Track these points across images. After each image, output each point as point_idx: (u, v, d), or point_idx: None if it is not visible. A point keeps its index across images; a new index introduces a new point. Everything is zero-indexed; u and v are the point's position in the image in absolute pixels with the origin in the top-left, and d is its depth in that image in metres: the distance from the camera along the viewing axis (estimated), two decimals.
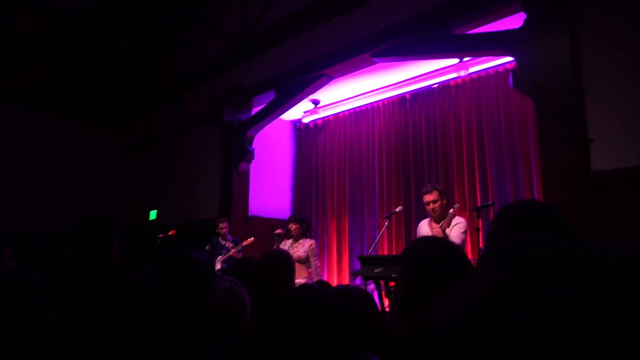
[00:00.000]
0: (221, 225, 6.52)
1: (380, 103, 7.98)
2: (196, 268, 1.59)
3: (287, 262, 2.51)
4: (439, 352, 0.32)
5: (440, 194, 4.52)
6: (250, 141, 7.56)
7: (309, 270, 5.39)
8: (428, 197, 4.50)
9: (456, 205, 4.59)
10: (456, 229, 4.32)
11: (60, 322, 1.38)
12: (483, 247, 3.54)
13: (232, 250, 6.27)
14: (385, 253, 7.08)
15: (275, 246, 5.55)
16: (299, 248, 5.43)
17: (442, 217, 4.49)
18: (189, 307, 1.53)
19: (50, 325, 1.38)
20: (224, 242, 6.50)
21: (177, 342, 1.25)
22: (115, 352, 1.06)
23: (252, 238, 6.40)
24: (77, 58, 9.47)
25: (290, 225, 5.66)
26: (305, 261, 5.33)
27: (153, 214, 8.92)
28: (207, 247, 6.51)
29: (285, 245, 5.62)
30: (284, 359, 1.35)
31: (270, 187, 8.37)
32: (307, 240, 5.65)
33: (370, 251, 5.17)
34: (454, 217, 4.36)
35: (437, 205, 4.46)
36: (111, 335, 1.09)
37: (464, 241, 4.37)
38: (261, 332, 2.02)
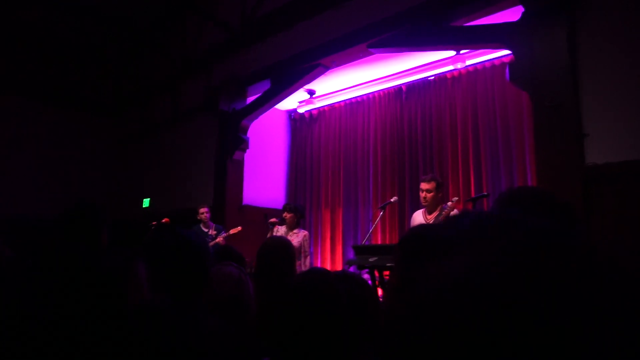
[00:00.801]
0: (201, 210, 6.47)
1: (376, 94, 7.97)
2: (188, 245, 1.56)
3: (288, 249, 2.52)
4: (436, 321, 0.33)
5: (437, 187, 4.55)
6: (244, 130, 7.53)
7: (299, 261, 5.40)
8: (424, 185, 4.54)
9: (455, 199, 4.61)
10: None
11: (40, 309, 1.37)
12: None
13: (219, 238, 6.18)
14: (379, 243, 7.11)
15: (269, 234, 5.56)
16: (293, 238, 5.44)
17: (433, 208, 4.54)
18: (186, 286, 1.51)
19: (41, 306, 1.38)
20: (206, 230, 6.44)
21: (171, 321, 1.23)
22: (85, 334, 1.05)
23: (239, 227, 6.32)
24: (72, 46, 9.37)
25: (284, 214, 5.68)
26: (298, 252, 5.35)
27: (146, 202, 8.89)
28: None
29: (278, 232, 5.63)
30: (288, 345, 1.35)
31: (264, 177, 8.37)
32: (302, 231, 5.67)
33: (364, 241, 5.19)
34: (452, 210, 4.38)
35: (430, 195, 4.50)
36: (78, 319, 1.07)
37: None
38: (264, 320, 2.02)
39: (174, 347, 1.07)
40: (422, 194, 4.56)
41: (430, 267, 0.38)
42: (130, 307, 1.08)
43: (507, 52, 5.69)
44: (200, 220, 6.49)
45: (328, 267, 7.96)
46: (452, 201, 4.50)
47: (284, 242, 2.63)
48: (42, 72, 9.25)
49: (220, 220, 7.01)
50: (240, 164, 7.64)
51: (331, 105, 8.58)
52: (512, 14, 4.86)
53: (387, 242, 7.11)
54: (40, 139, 9.18)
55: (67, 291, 1.04)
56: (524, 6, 4.59)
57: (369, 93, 8.03)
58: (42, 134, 9.22)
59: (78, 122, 9.74)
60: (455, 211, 4.41)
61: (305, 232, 5.70)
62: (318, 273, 1.46)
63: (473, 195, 6.10)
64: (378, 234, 7.33)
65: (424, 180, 4.60)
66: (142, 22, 9.29)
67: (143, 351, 1.04)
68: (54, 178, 9.17)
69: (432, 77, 7.27)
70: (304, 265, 5.37)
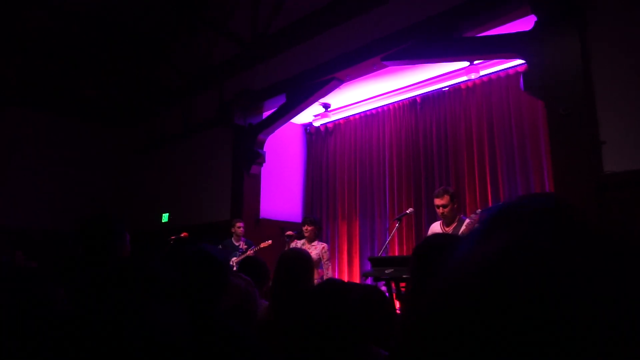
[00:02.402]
0: (238, 224, 6.58)
1: (390, 106, 8.00)
2: (210, 261, 1.65)
3: (307, 262, 2.55)
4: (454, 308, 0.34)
5: (452, 198, 4.49)
6: (261, 145, 7.62)
7: (320, 271, 5.44)
8: (438, 201, 4.48)
9: (478, 211, 4.57)
10: None
11: (75, 311, 1.42)
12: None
13: (250, 251, 6.27)
14: (396, 255, 7.08)
15: (286, 247, 5.60)
16: (312, 250, 5.47)
17: (451, 220, 4.49)
18: (204, 299, 1.58)
19: (63, 314, 1.42)
20: (237, 244, 6.53)
21: (191, 331, 1.27)
22: (125, 338, 1.09)
23: (270, 241, 6.42)
24: (84, 57, 9.54)
25: (305, 227, 5.72)
26: (317, 264, 5.38)
27: (165, 217, 9.01)
28: (219, 247, 6.56)
29: (297, 245, 5.67)
30: (303, 350, 1.38)
31: (281, 190, 8.42)
32: (320, 243, 5.72)
33: (380, 253, 5.19)
34: (475, 223, 4.34)
35: (447, 210, 4.44)
36: (122, 322, 1.11)
37: None
38: (280, 329, 2.05)
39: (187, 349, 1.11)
40: (439, 210, 4.48)
41: (444, 259, 0.39)
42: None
43: (520, 61, 5.68)
44: (233, 234, 6.58)
45: (345, 279, 7.95)
46: (475, 213, 4.46)
47: (302, 253, 2.66)
48: (54, 84, 9.45)
49: None
50: (257, 178, 7.71)
51: (346, 118, 8.63)
52: (525, 24, 4.86)
53: (404, 253, 7.08)
54: (50, 149, 9.39)
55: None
56: (537, 15, 4.59)
57: (384, 105, 8.06)
58: (52, 144, 9.43)
59: (89, 134, 9.96)
60: (476, 225, 4.36)
61: (325, 245, 5.74)
62: (333, 284, 1.49)
63: (490, 205, 6.05)
64: (395, 246, 7.30)
65: (437, 196, 4.52)
66: (156, 33, 9.46)
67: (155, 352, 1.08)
68: (64, 190, 9.35)
69: (447, 88, 7.27)
70: (326, 276, 5.42)
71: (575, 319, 0.31)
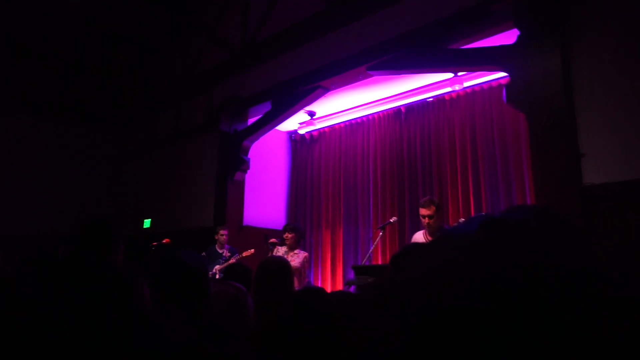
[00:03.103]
0: (222, 232, 6.54)
1: (375, 115, 8.05)
2: (182, 268, 1.58)
3: (286, 269, 2.54)
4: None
5: (437, 209, 4.55)
6: (246, 151, 7.60)
7: (303, 280, 5.42)
8: (425, 211, 4.52)
9: (461, 220, 4.62)
10: None
11: (63, 314, 1.40)
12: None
13: (233, 259, 6.24)
14: (380, 263, 7.10)
15: (270, 255, 5.57)
16: (294, 258, 5.45)
17: (435, 230, 4.53)
18: (179, 308, 1.55)
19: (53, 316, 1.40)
20: (220, 251, 6.48)
21: (166, 340, 1.26)
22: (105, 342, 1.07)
23: (252, 250, 6.39)
24: (75, 62, 9.49)
25: (285, 234, 5.69)
26: (298, 272, 5.36)
27: (147, 223, 8.91)
28: (202, 254, 6.50)
29: (279, 252, 5.64)
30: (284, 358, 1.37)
31: (264, 197, 8.40)
32: (302, 252, 5.69)
33: (364, 261, 5.20)
34: None
35: (432, 220, 4.49)
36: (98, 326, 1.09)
37: None
38: (262, 336, 2.04)
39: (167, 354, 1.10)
40: (425, 220, 4.53)
41: (412, 263, 0.40)
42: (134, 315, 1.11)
43: (503, 74, 5.77)
44: (217, 241, 6.53)
45: (328, 287, 7.93)
46: (458, 222, 4.50)
47: (281, 261, 2.66)
48: (43, 88, 9.36)
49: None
50: (241, 185, 7.68)
51: (331, 127, 8.66)
52: (508, 37, 4.95)
53: (387, 262, 7.10)
54: (41, 153, 9.26)
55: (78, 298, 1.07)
56: (519, 29, 4.68)
57: (369, 114, 8.11)
58: (43, 148, 9.30)
59: (79, 138, 9.83)
60: None
61: (306, 254, 5.71)
62: (312, 290, 1.49)
63: (472, 214, 6.11)
64: (378, 254, 7.33)
65: (423, 206, 4.57)
66: (146, 39, 9.44)
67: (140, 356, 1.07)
68: (54, 193, 9.20)
69: (431, 99, 7.35)
70: (301, 286, 5.38)
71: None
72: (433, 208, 4.50)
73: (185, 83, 8.81)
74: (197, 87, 8.52)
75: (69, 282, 1.09)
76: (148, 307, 1.18)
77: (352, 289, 4.20)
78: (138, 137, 9.94)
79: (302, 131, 8.67)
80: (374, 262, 7.08)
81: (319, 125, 8.54)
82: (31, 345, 1.08)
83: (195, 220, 7.90)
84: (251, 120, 7.71)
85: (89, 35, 8.93)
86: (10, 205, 8.62)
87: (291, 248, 5.69)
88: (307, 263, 5.61)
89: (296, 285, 5.28)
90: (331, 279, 8.04)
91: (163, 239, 6.66)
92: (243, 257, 6.29)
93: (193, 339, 1.28)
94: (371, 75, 6.15)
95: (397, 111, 7.76)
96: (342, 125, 8.53)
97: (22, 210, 8.74)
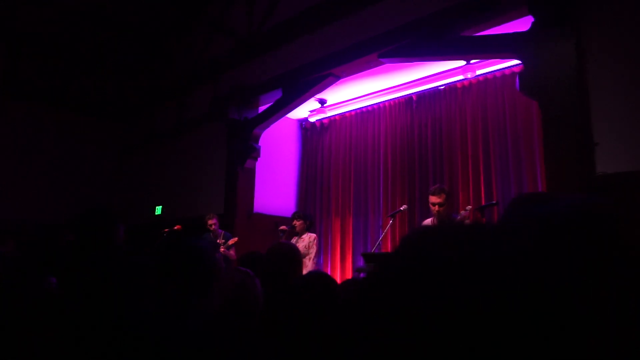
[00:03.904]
0: (210, 222, 6.44)
1: (386, 103, 8.01)
2: (197, 254, 1.66)
3: (294, 255, 2.56)
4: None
5: (447, 197, 4.56)
6: (256, 139, 7.61)
7: (305, 261, 5.41)
8: (435, 199, 4.53)
9: (469, 207, 4.62)
10: None
11: (64, 298, 1.43)
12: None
13: (222, 248, 6.17)
14: (389, 251, 7.11)
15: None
16: (301, 243, 5.51)
17: (444, 218, 4.54)
18: (194, 293, 1.59)
19: (54, 300, 1.44)
20: (216, 239, 6.44)
21: (183, 325, 1.29)
22: (110, 327, 1.10)
23: (236, 238, 6.33)
24: (79, 52, 9.51)
25: (294, 222, 5.74)
26: (305, 255, 5.40)
27: (158, 210, 9.00)
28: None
29: (293, 241, 5.69)
30: (291, 346, 1.39)
31: (275, 185, 8.42)
32: (309, 234, 5.74)
33: (374, 249, 5.22)
34: (465, 219, 4.39)
35: (442, 208, 4.50)
36: (105, 311, 1.13)
37: None
38: (269, 321, 2.07)
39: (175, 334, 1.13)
40: (434, 208, 4.54)
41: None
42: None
43: (517, 61, 5.71)
44: (209, 230, 6.52)
45: (338, 274, 7.98)
46: (465, 210, 4.51)
47: (289, 247, 2.68)
48: (48, 78, 9.40)
49: (230, 228, 7.07)
50: (251, 172, 7.71)
51: (342, 115, 8.64)
52: (522, 24, 4.89)
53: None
54: (46, 143, 9.34)
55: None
56: (534, 16, 4.61)
57: (380, 102, 8.08)
58: (48, 138, 9.38)
59: (84, 128, 9.89)
60: (467, 221, 4.42)
61: (314, 235, 5.77)
62: (316, 275, 1.51)
63: (483, 203, 6.10)
64: (388, 242, 7.33)
65: (433, 194, 4.58)
66: (152, 29, 9.43)
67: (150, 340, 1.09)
68: (59, 183, 9.31)
69: (443, 87, 7.30)
70: (309, 266, 5.40)
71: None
72: (443, 196, 4.50)
73: (192, 72, 8.81)
74: (204, 76, 8.51)
75: (66, 271, 1.11)
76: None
77: (362, 276, 4.21)
78: (144, 127, 9.99)
79: (312, 119, 8.66)
80: (383, 250, 7.09)
81: (330, 113, 8.53)
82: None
83: (206, 207, 7.94)
84: (262, 108, 7.71)
85: (95, 25, 8.94)
86: (15, 194, 8.71)
87: (300, 235, 5.75)
88: (312, 242, 5.64)
89: (309, 267, 5.34)
90: (340, 267, 8.08)
91: (174, 226, 6.73)
92: (229, 245, 6.23)
93: (209, 319, 1.30)
94: (382, 63, 6.11)
95: (408, 99, 7.71)
96: (352, 113, 8.50)
97: (26, 199, 8.84)
